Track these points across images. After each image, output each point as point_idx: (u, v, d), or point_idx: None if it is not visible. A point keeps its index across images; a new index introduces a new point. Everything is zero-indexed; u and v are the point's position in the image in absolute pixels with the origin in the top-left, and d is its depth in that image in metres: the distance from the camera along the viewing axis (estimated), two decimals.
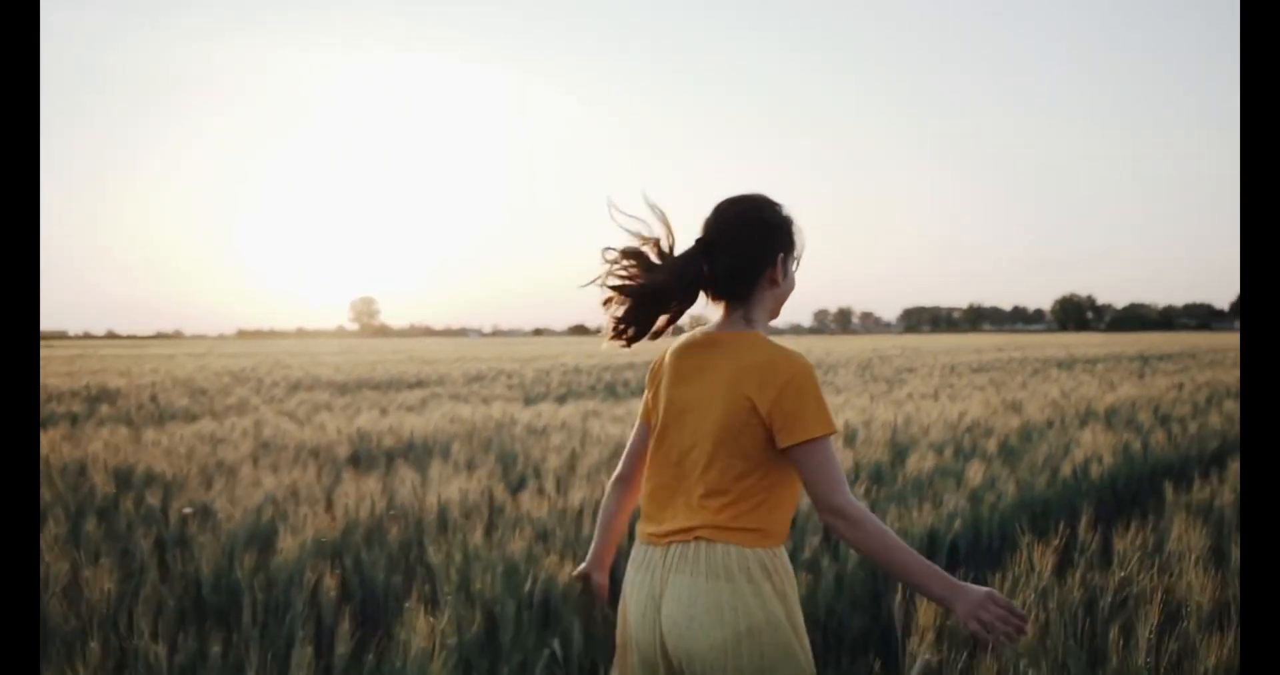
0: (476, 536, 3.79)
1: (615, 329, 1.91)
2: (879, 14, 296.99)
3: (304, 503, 4.45)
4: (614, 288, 1.90)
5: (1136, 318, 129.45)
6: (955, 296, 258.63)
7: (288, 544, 3.64)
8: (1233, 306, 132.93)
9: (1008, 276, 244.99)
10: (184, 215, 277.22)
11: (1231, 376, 11.80)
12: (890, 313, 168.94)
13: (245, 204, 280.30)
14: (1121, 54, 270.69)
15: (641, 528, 1.99)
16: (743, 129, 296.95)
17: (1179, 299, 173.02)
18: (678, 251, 1.92)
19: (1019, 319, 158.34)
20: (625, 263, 1.90)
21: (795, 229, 1.95)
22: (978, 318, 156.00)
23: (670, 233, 1.91)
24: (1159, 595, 2.61)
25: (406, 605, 3.03)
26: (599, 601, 2.16)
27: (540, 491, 4.62)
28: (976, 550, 4.48)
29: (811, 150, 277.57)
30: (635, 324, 1.90)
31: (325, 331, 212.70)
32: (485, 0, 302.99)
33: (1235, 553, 3.20)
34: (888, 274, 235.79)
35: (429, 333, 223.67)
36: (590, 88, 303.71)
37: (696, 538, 1.87)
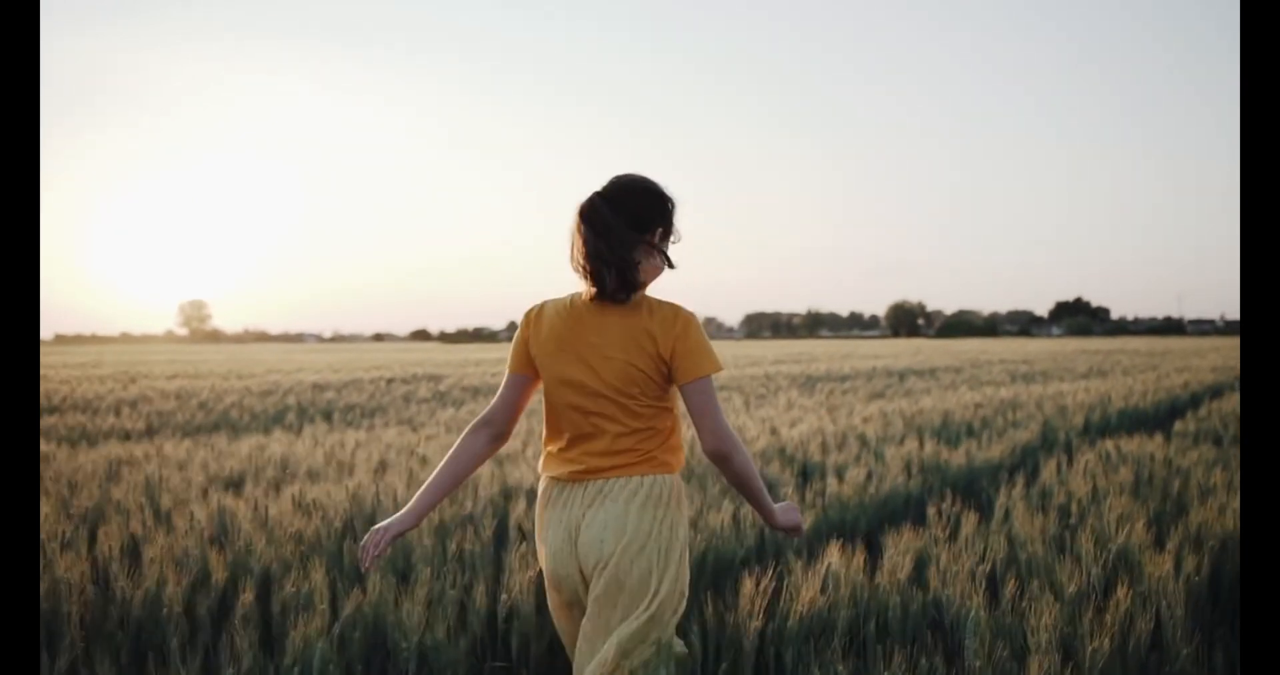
0: None
1: (610, 292, 2.14)
2: (723, 18, 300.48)
3: None
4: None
5: (964, 324, 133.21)
6: (795, 302, 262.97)
7: None
8: (1051, 313, 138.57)
9: (845, 283, 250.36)
10: None
11: (961, 399, 10.42)
12: (733, 318, 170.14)
13: (69, 203, 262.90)
14: (956, 67, 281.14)
15: (555, 469, 2.22)
16: (584, 131, 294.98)
17: (1003, 306, 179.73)
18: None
19: (855, 325, 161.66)
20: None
21: (674, 217, 2.24)
22: (816, 323, 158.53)
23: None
24: None
25: None
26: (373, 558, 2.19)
27: None
28: None
29: (657, 155, 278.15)
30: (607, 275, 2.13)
31: (153, 336, 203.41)
32: (313, 3, 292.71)
33: None
34: (731, 280, 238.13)
35: (264, 338, 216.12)
36: (422, 92, 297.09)
37: (616, 474, 2.15)
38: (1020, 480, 5.41)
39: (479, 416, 2.30)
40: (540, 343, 2.21)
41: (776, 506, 2.31)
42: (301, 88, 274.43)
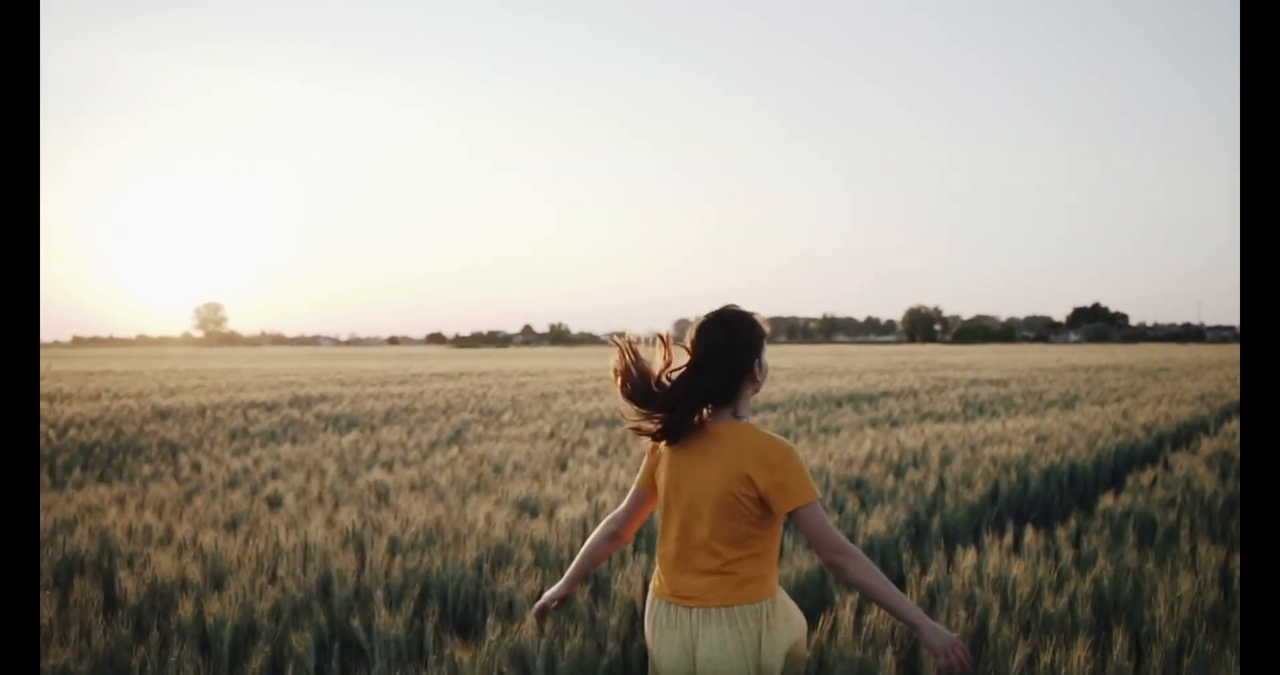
0: None
1: (655, 436, 2.41)
2: (739, 22, 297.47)
3: None
4: (632, 399, 2.39)
5: (980, 329, 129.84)
6: (812, 307, 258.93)
7: None
8: (1069, 318, 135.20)
9: (862, 288, 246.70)
10: None
11: (857, 450, 8.22)
12: None
13: (87, 205, 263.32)
14: (976, 72, 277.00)
15: (660, 588, 2.42)
16: (598, 135, 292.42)
17: (1021, 311, 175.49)
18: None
19: (872, 329, 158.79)
20: (636, 380, 2.38)
21: (763, 332, 2.42)
22: (832, 328, 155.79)
23: (669, 354, 2.40)
24: None
25: None
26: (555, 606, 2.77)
27: None
28: None
29: (674, 161, 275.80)
30: (665, 431, 2.38)
31: (170, 338, 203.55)
32: (338, 9, 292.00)
33: None
34: (747, 284, 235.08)
35: (280, 341, 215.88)
36: (439, 97, 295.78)
37: (719, 603, 2.30)
38: None
39: (610, 515, 2.65)
40: (660, 468, 2.45)
41: (930, 627, 2.29)
42: (319, 90, 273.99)
